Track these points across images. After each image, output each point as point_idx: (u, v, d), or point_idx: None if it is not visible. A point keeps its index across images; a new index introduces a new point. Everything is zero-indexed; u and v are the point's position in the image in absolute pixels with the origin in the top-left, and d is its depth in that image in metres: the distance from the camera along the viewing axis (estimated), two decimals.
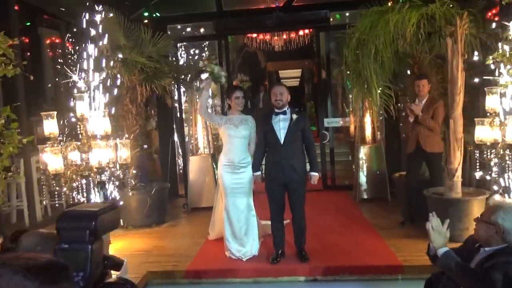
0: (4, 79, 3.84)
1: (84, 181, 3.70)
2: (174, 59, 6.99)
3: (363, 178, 6.58)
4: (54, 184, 3.58)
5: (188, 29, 7.82)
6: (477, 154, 4.37)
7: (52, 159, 3.60)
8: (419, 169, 5.11)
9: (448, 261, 2.34)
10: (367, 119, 6.82)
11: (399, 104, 5.76)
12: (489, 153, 4.12)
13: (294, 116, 4.17)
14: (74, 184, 3.68)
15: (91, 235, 1.84)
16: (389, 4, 4.72)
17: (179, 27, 7.69)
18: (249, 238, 4.38)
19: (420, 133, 4.88)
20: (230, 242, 4.35)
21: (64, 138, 4.46)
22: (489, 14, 5.02)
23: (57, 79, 6.86)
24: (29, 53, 7.86)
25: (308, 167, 4.29)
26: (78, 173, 3.70)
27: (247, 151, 4.44)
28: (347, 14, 7.32)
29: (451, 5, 4.24)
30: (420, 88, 4.88)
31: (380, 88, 4.64)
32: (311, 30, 9.51)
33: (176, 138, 7.55)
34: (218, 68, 4.72)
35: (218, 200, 4.82)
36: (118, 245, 4.99)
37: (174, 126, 7.53)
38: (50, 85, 7.84)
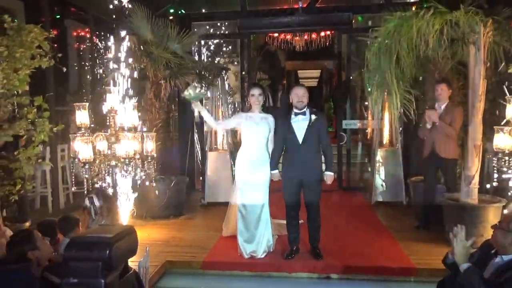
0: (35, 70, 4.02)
1: (110, 170, 3.86)
2: (197, 55, 7.14)
3: (379, 180, 6.62)
4: (84, 172, 3.75)
5: (212, 27, 7.97)
6: (495, 162, 4.39)
7: (82, 148, 3.77)
8: (435, 174, 5.14)
9: (471, 278, 2.34)
10: (386, 123, 6.86)
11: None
12: (507, 161, 4.14)
13: (313, 117, 4.25)
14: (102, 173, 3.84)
15: (105, 268, 1.50)
16: (413, 9, 4.76)
17: (202, 24, 7.84)
18: (261, 237, 4.42)
19: (436, 138, 4.91)
20: (241, 239, 4.41)
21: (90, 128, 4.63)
22: None
23: (89, 71, 7.05)
24: (56, 45, 8.10)
25: (323, 167, 4.37)
26: (106, 163, 3.86)
27: (266, 149, 4.50)
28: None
29: (475, 12, 4.26)
30: (439, 92, 4.91)
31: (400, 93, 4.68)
32: (332, 31, 9.58)
33: (195, 133, 7.70)
34: (191, 90, 4.42)
35: (234, 197, 4.88)
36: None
37: (194, 122, 7.68)
38: (74, 77, 8.07)
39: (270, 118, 4.53)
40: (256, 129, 4.42)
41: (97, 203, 2.55)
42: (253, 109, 4.55)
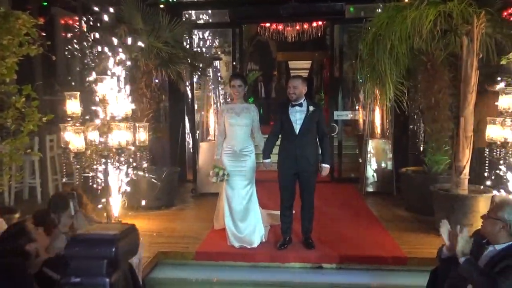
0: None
1: (103, 160, 3.80)
2: (188, 45, 7.05)
3: (370, 171, 6.67)
4: (76, 163, 3.69)
5: (203, 16, 7.87)
6: (487, 153, 4.44)
7: (74, 138, 3.70)
8: None
9: (470, 269, 2.38)
10: (377, 113, 6.89)
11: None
12: (498, 152, 4.19)
13: (311, 108, 4.24)
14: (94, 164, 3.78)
15: (110, 266, 1.43)
16: (407, 0, 4.75)
17: (193, 13, 7.73)
18: (252, 227, 4.42)
19: None
20: (230, 231, 4.41)
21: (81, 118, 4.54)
22: (505, 13, 5.03)
23: (77, 60, 6.90)
24: (43, 33, 7.91)
25: (320, 158, 4.37)
26: (98, 153, 3.80)
27: (250, 139, 4.50)
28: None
29: (469, 4, 4.26)
30: None
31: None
32: (324, 22, 9.53)
33: (186, 123, 7.64)
34: (215, 177, 4.36)
35: (222, 190, 4.89)
36: None
37: (185, 112, 7.61)
38: (62, 66, 7.91)
39: (252, 108, 4.52)
40: (237, 120, 4.41)
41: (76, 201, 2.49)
42: (234, 100, 4.53)
